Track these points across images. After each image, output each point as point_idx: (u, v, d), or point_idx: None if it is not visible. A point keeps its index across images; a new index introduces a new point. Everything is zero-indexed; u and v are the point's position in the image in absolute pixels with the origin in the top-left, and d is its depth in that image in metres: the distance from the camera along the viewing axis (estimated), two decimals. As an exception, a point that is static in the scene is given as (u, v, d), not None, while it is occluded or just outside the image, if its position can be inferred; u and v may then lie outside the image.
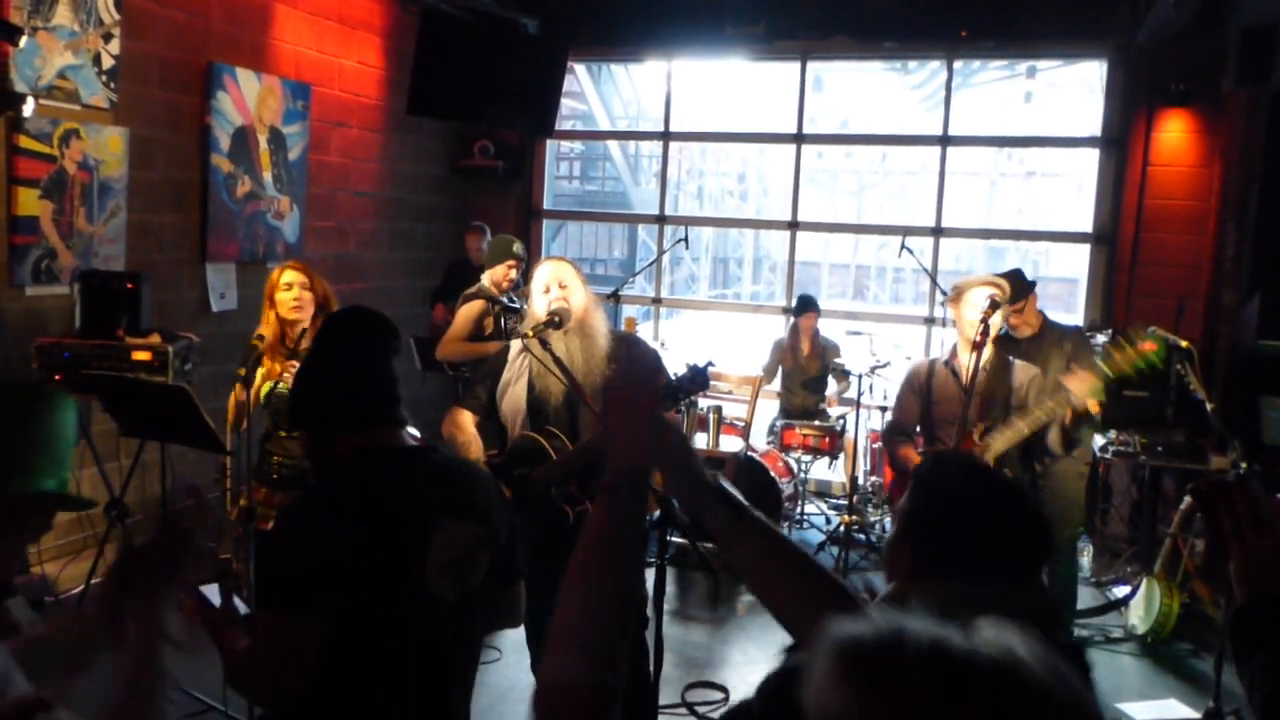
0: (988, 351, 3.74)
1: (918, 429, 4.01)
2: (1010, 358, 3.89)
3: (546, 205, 8.73)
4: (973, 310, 3.70)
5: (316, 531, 1.83)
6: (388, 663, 1.86)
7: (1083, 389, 3.45)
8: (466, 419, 3.39)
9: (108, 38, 4.96)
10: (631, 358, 3.35)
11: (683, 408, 5.29)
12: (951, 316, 4.01)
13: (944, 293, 6.60)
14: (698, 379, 3.07)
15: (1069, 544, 4.72)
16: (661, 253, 8.24)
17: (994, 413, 3.74)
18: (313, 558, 1.78)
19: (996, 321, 3.69)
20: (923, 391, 3.98)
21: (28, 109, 4.39)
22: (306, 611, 1.76)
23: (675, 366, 3.38)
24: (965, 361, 3.78)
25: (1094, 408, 3.56)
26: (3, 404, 1.38)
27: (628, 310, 8.32)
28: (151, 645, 1.41)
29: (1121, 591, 5.42)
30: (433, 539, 1.89)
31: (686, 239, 6.73)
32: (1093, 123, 7.47)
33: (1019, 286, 4.73)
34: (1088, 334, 6.60)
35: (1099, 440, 5.56)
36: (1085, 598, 5.37)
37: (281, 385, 3.72)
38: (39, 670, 1.37)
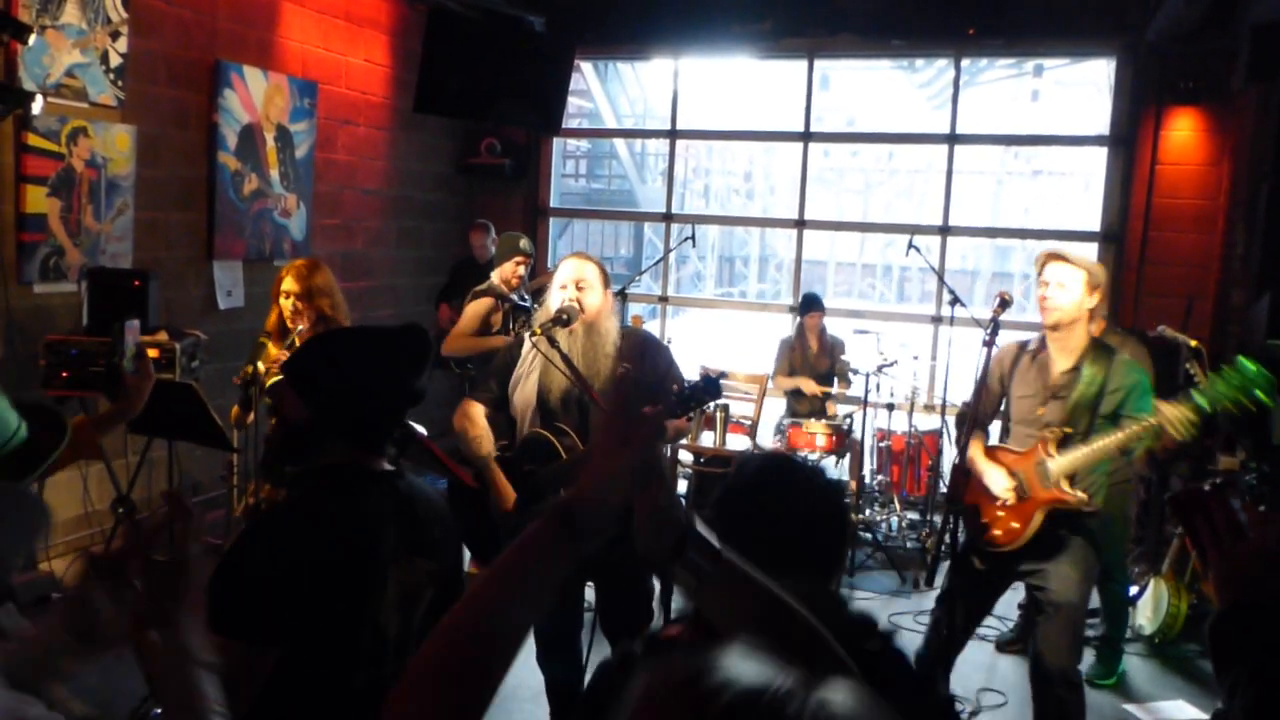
0: (1083, 344, 3.36)
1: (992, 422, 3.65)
2: (1115, 354, 3.39)
3: (553, 203, 8.73)
4: (1068, 293, 3.31)
5: (278, 559, 1.76)
6: (331, 697, 1.81)
7: (1178, 419, 3.09)
8: (478, 411, 3.39)
9: (115, 36, 4.97)
10: (638, 382, 3.34)
11: (693, 415, 5.27)
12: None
13: (952, 291, 6.61)
14: (710, 389, 3.08)
15: (1119, 561, 4.55)
16: (668, 251, 8.23)
17: (1079, 419, 3.32)
18: (272, 586, 1.72)
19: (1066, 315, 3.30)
20: (1004, 380, 3.56)
21: (36, 107, 4.39)
22: (261, 640, 1.70)
23: (687, 369, 3.40)
24: (1053, 354, 3.38)
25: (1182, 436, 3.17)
26: None
27: (634, 308, 8.31)
28: (187, 672, 1.25)
29: (1129, 592, 5.40)
30: (390, 576, 1.84)
31: (694, 237, 6.72)
32: (1100, 121, 7.45)
33: None
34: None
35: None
36: (1091, 598, 5.34)
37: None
38: (21, 679, 1.29)
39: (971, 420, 3.56)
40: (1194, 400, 3.11)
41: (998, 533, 3.39)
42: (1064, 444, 3.29)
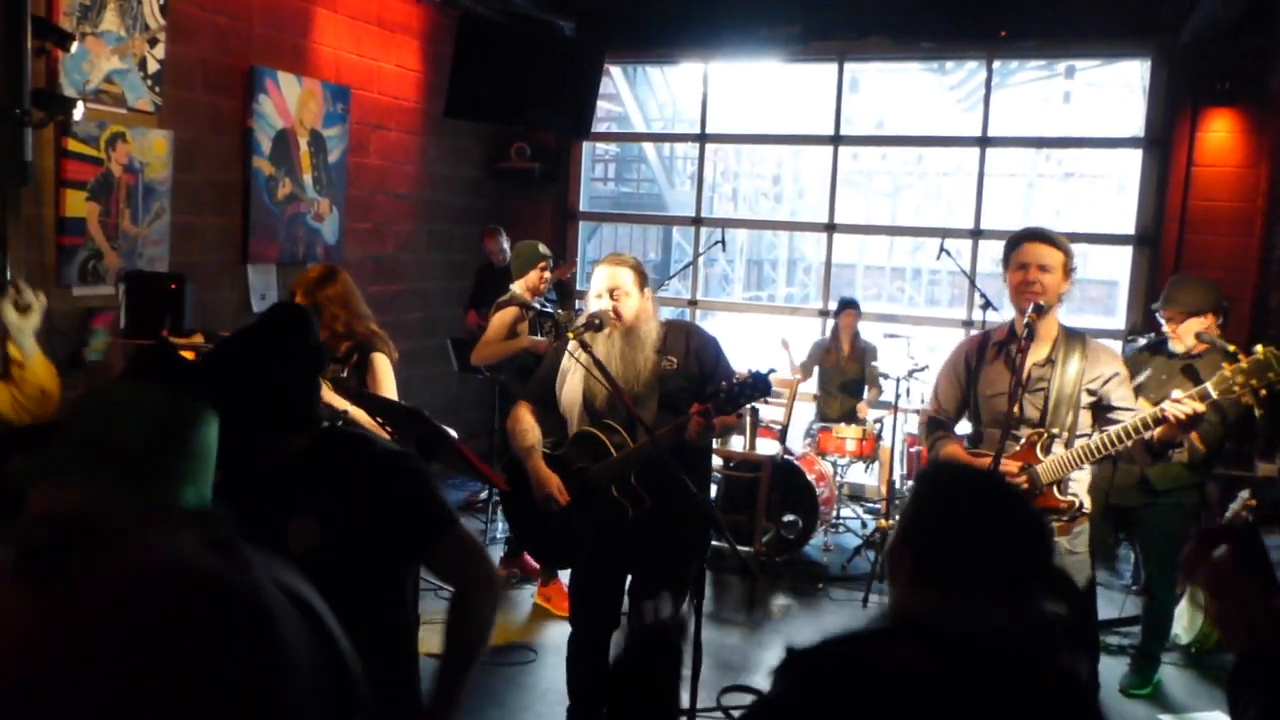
0: (1054, 330, 3.22)
1: (962, 423, 3.47)
2: (1088, 341, 3.22)
3: (582, 207, 8.76)
4: (1052, 276, 3.15)
5: None
6: None
7: (1184, 415, 2.91)
8: (524, 410, 3.51)
9: (153, 42, 5.04)
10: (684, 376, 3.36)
11: (744, 413, 5.25)
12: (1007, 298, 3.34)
13: (984, 295, 6.56)
14: (760, 385, 3.09)
15: (1165, 578, 4.45)
16: (697, 255, 8.23)
17: (1062, 415, 3.16)
18: None
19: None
20: (968, 377, 3.37)
21: (78, 113, 4.46)
22: None
23: (737, 367, 3.39)
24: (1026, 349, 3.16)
25: (1194, 439, 3.07)
26: (159, 406, 1.35)
27: (662, 312, 8.31)
28: None
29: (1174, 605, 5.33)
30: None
31: (723, 241, 6.71)
32: (1134, 123, 7.38)
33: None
34: (1129, 338, 6.52)
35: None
36: (1127, 606, 5.29)
37: None
38: None
39: (936, 426, 3.44)
40: (1205, 391, 2.96)
41: None
42: (1049, 446, 3.17)
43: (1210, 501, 5.72)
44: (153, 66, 5.05)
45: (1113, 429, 3.07)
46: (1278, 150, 6.19)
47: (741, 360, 3.51)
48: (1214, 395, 2.96)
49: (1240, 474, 5.25)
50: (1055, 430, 3.17)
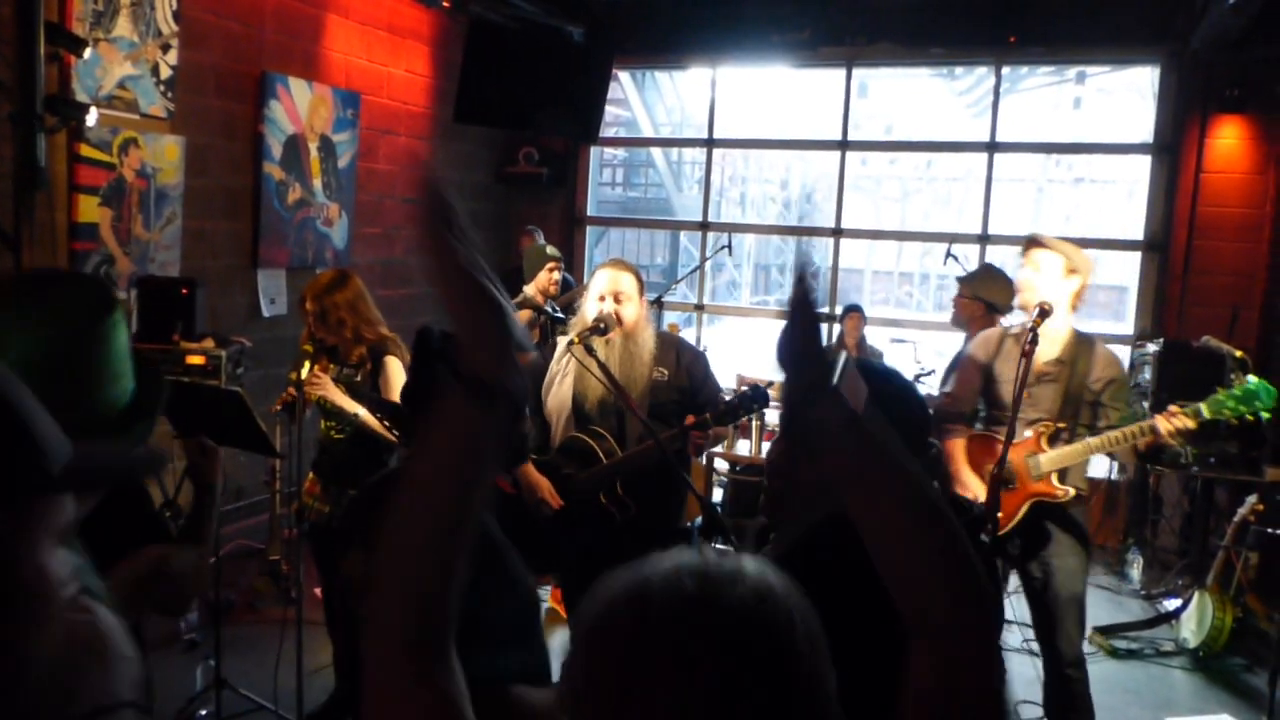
0: (1066, 332, 3.44)
1: (979, 414, 3.65)
2: (1096, 345, 3.45)
3: (590, 212, 8.78)
4: (1041, 275, 3.37)
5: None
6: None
7: (1172, 429, 3.18)
8: None
9: (166, 48, 5.08)
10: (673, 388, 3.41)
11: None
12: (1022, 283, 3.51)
13: (990, 301, 6.55)
14: (759, 399, 3.15)
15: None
16: (704, 259, 8.24)
17: (1070, 410, 3.40)
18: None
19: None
20: (987, 368, 3.58)
21: (90, 119, 4.50)
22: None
23: (724, 378, 3.44)
24: (1038, 340, 3.34)
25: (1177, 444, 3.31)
26: (78, 308, 1.34)
27: (670, 316, 8.33)
28: None
29: (1172, 604, 5.32)
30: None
31: (730, 245, 6.73)
32: (1143, 129, 7.37)
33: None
34: (1138, 342, 6.51)
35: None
36: (1135, 610, 5.29)
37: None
38: None
39: (949, 415, 3.65)
40: (1198, 410, 3.21)
41: None
42: (1054, 439, 3.40)
43: (1219, 507, 5.72)
44: (165, 72, 5.09)
45: (1110, 433, 3.31)
46: (1287, 156, 6.18)
47: (750, 365, 3.54)
48: (1206, 415, 3.21)
49: (1248, 479, 5.24)
50: (1063, 425, 3.38)
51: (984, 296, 4.78)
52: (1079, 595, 3.48)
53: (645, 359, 3.35)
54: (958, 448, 3.55)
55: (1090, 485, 3.59)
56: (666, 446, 3.04)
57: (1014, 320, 3.89)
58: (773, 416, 6.50)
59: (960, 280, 5.01)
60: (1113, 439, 3.30)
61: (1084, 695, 3.50)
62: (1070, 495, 3.38)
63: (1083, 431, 3.40)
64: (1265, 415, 3.30)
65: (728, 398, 3.33)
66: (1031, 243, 3.54)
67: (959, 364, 3.76)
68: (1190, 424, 3.18)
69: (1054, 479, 3.38)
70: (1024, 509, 3.43)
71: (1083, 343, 3.45)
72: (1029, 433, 3.42)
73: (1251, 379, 3.25)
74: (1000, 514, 3.44)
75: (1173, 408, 3.24)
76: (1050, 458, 3.37)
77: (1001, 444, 3.33)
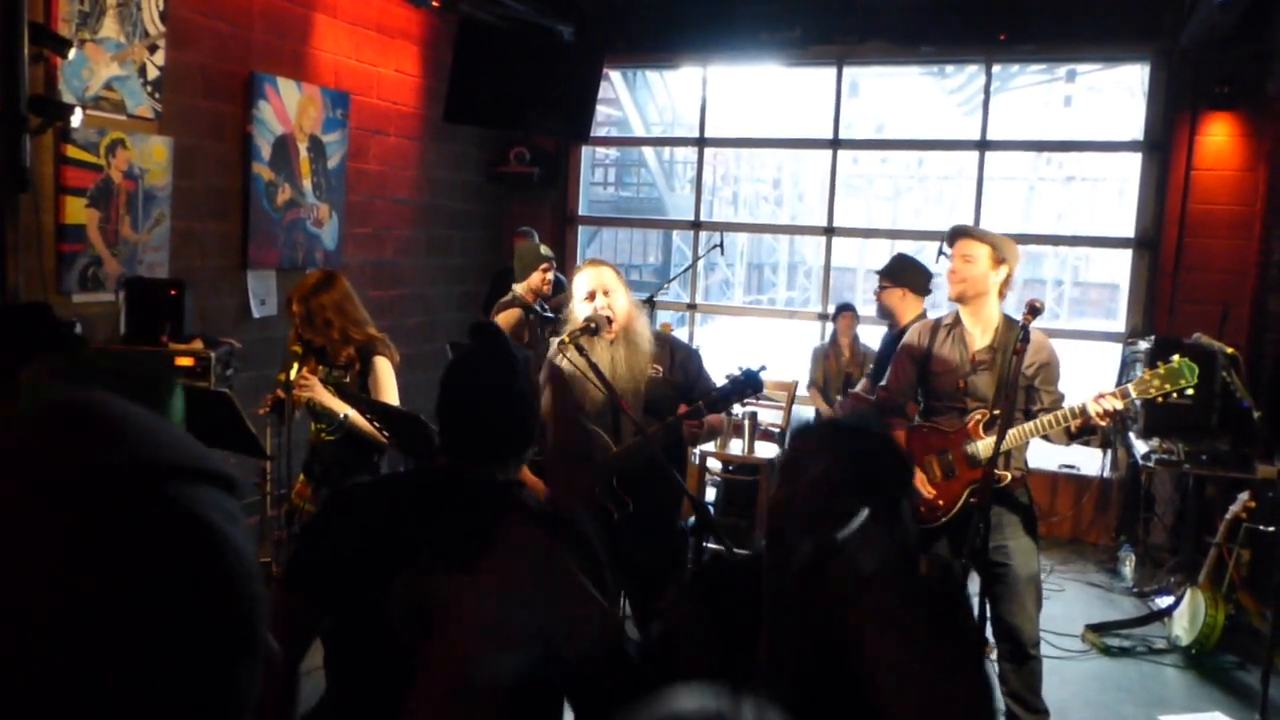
0: (997, 317, 3.57)
1: (915, 404, 3.74)
2: (1031, 328, 3.35)
3: (582, 211, 8.76)
4: (970, 266, 3.51)
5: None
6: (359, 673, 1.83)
7: (1101, 411, 3.27)
8: None
9: (153, 49, 5.05)
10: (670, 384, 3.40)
11: (735, 412, 5.31)
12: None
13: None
14: (751, 381, 3.12)
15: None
16: (697, 259, 8.22)
17: (1005, 397, 3.37)
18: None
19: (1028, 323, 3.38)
20: (922, 358, 3.65)
21: (76, 119, 4.47)
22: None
23: (717, 372, 3.42)
24: (969, 328, 3.56)
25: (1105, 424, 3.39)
26: (131, 383, 1.35)
27: (663, 316, 8.32)
28: None
29: (1164, 602, 5.33)
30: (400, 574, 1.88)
31: (722, 244, 6.72)
32: (1134, 126, 7.38)
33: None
34: (1130, 340, 6.52)
35: (1141, 448, 5.46)
36: (1128, 608, 5.29)
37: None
38: None
39: (889, 408, 3.73)
40: (1126, 390, 3.33)
41: (922, 510, 3.57)
42: (989, 425, 3.46)
43: (1211, 504, 5.72)
44: (152, 73, 5.06)
45: (1044, 417, 3.41)
46: (1276, 154, 6.19)
47: (744, 364, 3.52)
48: (1134, 395, 3.34)
49: (1240, 476, 5.24)
50: (998, 411, 3.44)
51: (906, 283, 4.99)
52: (1035, 575, 3.54)
53: (647, 350, 3.36)
54: (897, 438, 3.59)
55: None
56: (655, 442, 3.02)
57: (942, 311, 3.92)
58: (766, 416, 6.50)
59: (879, 273, 5.22)
60: (1045, 423, 3.39)
61: (1040, 675, 3.57)
62: (1008, 479, 3.46)
63: (1019, 416, 3.49)
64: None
65: (719, 383, 3.33)
66: (958, 234, 3.59)
67: (894, 357, 3.81)
68: (1119, 404, 3.27)
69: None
70: (963, 496, 3.51)
71: (1013, 329, 3.48)
72: (966, 423, 3.54)
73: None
74: (941, 503, 3.55)
75: (1102, 390, 3.34)
76: (987, 444, 3.41)
77: (940, 436, 3.50)
